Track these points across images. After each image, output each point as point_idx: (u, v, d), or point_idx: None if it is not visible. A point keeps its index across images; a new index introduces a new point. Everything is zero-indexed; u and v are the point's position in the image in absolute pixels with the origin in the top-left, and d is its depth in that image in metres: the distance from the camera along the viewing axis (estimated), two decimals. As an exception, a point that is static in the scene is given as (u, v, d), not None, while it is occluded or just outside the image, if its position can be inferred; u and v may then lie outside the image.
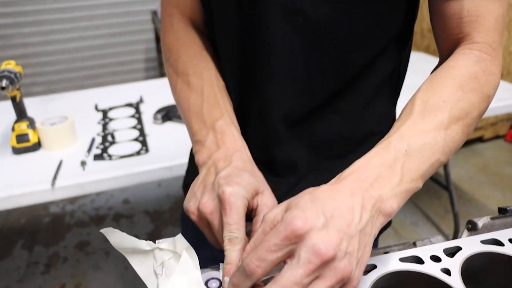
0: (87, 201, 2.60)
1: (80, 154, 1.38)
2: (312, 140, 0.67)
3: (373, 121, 0.69)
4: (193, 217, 0.54)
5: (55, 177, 1.25)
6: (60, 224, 2.43)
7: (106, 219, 2.44)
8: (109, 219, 2.44)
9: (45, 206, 2.56)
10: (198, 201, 0.53)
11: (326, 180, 0.56)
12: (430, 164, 0.49)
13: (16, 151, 1.41)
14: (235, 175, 0.53)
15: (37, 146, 1.44)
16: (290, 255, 0.40)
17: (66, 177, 1.27)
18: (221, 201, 0.50)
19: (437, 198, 2.55)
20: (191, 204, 0.55)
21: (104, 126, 1.55)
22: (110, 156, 1.34)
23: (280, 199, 0.69)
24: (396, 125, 0.52)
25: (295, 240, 0.39)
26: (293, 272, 0.38)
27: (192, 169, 0.82)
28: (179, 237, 0.49)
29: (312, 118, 0.65)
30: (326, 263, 0.39)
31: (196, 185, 0.57)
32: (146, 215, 2.48)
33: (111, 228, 0.47)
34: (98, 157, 1.34)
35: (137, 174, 1.27)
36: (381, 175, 0.46)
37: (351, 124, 0.67)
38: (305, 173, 0.69)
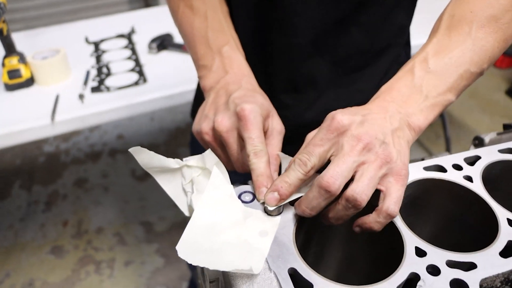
0: (81, 138, 2.58)
1: (76, 87, 1.35)
2: (332, 54, 0.67)
3: (391, 33, 0.69)
4: (207, 137, 0.55)
5: (54, 112, 1.23)
6: (56, 162, 2.43)
7: (102, 155, 2.44)
8: (105, 155, 2.44)
9: (39, 145, 2.54)
10: (212, 120, 0.54)
11: (345, 96, 0.56)
12: (458, 77, 0.49)
13: (9, 87, 1.37)
14: (249, 96, 0.54)
15: (31, 81, 1.40)
16: (335, 149, 0.44)
17: (65, 111, 1.25)
18: (240, 118, 0.50)
19: (436, 136, 2.59)
20: (204, 125, 0.55)
21: (98, 58, 1.50)
22: (107, 88, 1.32)
23: (300, 115, 0.70)
24: (423, 46, 0.52)
25: (338, 132, 0.44)
26: (341, 160, 0.42)
27: (200, 95, 0.82)
28: (208, 153, 0.49)
29: (334, 31, 0.65)
30: (367, 148, 0.43)
31: (207, 107, 0.57)
32: (141, 149, 2.47)
33: (139, 147, 0.47)
34: (95, 89, 1.32)
35: (138, 104, 1.26)
36: (406, 95, 0.48)
37: (371, 36, 0.67)
38: (324, 88, 0.69)
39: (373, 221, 0.44)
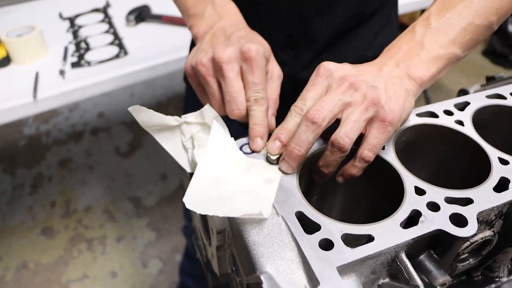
0: (61, 119, 2.54)
1: (55, 64, 1.32)
2: (331, 15, 0.67)
3: None
4: (203, 70, 0.50)
5: (35, 89, 1.21)
6: (38, 144, 2.39)
7: (84, 134, 2.41)
8: (87, 134, 2.41)
9: (18, 129, 2.49)
10: (212, 52, 0.50)
11: (340, 55, 0.57)
12: (461, 30, 0.49)
13: (-16, 67, 1.33)
14: (250, 36, 0.53)
15: (7, 60, 1.35)
16: (326, 91, 0.45)
17: (46, 88, 1.22)
18: (246, 59, 0.48)
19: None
20: (200, 56, 0.51)
21: (75, 34, 1.47)
22: (88, 63, 1.29)
23: (295, 74, 0.70)
24: (427, 8, 0.52)
25: (327, 75, 0.45)
26: (327, 96, 0.44)
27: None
28: (207, 108, 0.49)
29: None
30: (354, 87, 0.44)
31: (203, 44, 0.53)
32: (123, 125, 2.45)
33: (138, 106, 0.47)
34: (76, 64, 1.29)
35: (121, 76, 1.24)
36: (407, 50, 0.49)
37: None
38: (321, 48, 0.69)
39: (350, 166, 0.46)
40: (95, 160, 2.25)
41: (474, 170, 0.50)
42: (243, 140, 0.49)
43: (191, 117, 0.51)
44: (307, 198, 0.43)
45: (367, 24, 0.71)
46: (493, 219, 0.44)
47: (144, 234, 1.91)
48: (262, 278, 0.36)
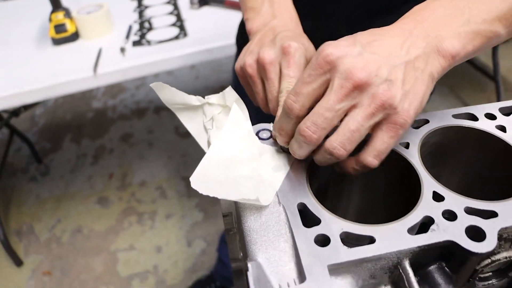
0: (127, 95, 2.65)
1: (118, 41, 1.38)
2: None
3: None
4: (250, 70, 0.52)
5: (96, 64, 1.26)
6: (104, 118, 2.52)
7: (147, 112, 2.50)
8: (150, 112, 2.50)
9: (87, 102, 2.64)
10: (257, 53, 0.51)
11: None
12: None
13: (56, 41, 1.42)
14: (296, 37, 0.52)
15: (76, 36, 1.44)
16: (327, 86, 0.38)
17: (107, 64, 1.28)
18: (284, 54, 0.48)
19: (481, 90, 2.46)
20: (247, 58, 0.52)
21: (140, 14, 1.52)
22: (148, 42, 1.33)
23: None
24: None
25: (328, 67, 0.37)
26: (325, 99, 0.37)
27: (243, 40, 0.81)
28: (229, 90, 0.49)
29: None
30: (360, 88, 0.36)
31: (252, 45, 0.55)
32: (185, 108, 2.52)
33: (161, 83, 0.48)
34: (137, 43, 1.34)
35: (177, 57, 1.27)
36: (442, 16, 0.40)
37: None
38: (340, 28, 0.67)
39: (350, 166, 0.41)
40: (155, 138, 2.33)
41: (510, 183, 0.45)
42: (262, 125, 0.48)
43: (213, 98, 0.50)
44: (321, 194, 0.41)
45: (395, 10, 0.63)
46: (520, 237, 0.39)
47: (192, 214, 1.96)
48: (249, 265, 0.35)
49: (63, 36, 1.41)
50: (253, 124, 0.49)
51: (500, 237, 0.38)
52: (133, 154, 2.27)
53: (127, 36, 1.38)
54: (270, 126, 0.48)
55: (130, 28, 1.43)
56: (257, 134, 0.47)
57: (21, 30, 1.55)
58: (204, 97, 0.50)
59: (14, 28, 1.59)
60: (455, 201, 0.39)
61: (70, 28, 1.41)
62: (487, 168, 0.48)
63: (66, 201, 2.04)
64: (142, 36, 1.38)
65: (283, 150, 0.45)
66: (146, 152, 2.27)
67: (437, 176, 0.46)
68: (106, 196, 2.05)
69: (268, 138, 0.47)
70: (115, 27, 1.46)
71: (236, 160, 0.44)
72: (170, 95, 0.49)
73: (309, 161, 0.43)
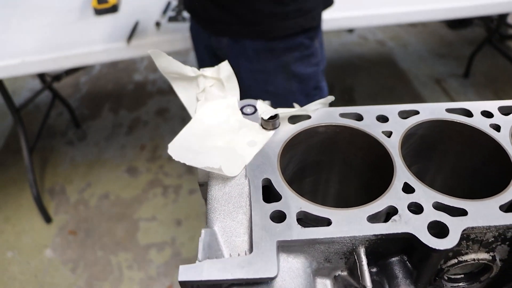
0: (167, 72, 2.70)
1: (155, 16, 1.41)
2: None
3: None
4: None
5: (130, 36, 1.30)
6: (143, 91, 2.59)
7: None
8: (186, 91, 2.54)
9: (129, 74, 2.72)
10: None
11: None
12: None
13: (97, 12, 1.47)
14: None
15: (116, 7, 1.48)
16: None
17: (141, 36, 1.31)
18: None
19: None
20: None
21: (180, -10, 1.54)
22: (184, 19, 1.35)
23: None
24: None
25: None
26: None
27: None
28: (224, 64, 0.49)
29: None
30: None
31: None
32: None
33: (159, 51, 0.48)
34: (172, 19, 1.36)
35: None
36: None
37: None
38: None
39: None
40: (189, 115, 2.37)
41: (498, 185, 0.43)
42: (248, 101, 0.48)
43: (209, 71, 0.51)
44: (299, 177, 0.41)
45: None
46: (491, 241, 0.38)
47: (215, 193, 1.99)
48: (202, 231, 0.35)
49: (104, 7, 1.46)
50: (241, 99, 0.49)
51: (467, 237, 0.37)
52: (166, 129, 2.32)
53: (165, 12, 1.40)
54: (255, 102, 0.48)
55: (168, 4, 1.45)
56: (241, 109, 0.47)
57: (67, -3, 1.61)
58: (199, 69, 0.51)
59: (61, -5, 1.65)
60: (425, 195, 0.38)
61: (112, 0, 1.45)
62: (475, 166, 0.46)
63: (98, 167, 2.12)
64: (179, 12, 1.40)
65: (263, 127, 0.45)
66: (179, 127, 2.27)
67: (423, 170, 0.45)
68: (136, 166, 2.11)
69: (251, 113, 0.47)
70: (154, 2, 1.48)
71: (214, 132, 0.44)
72: (166, 63, 0.50)
73: (286, 141, 0.43)
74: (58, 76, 2.07)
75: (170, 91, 2.54)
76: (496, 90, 2.39)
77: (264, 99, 0.95)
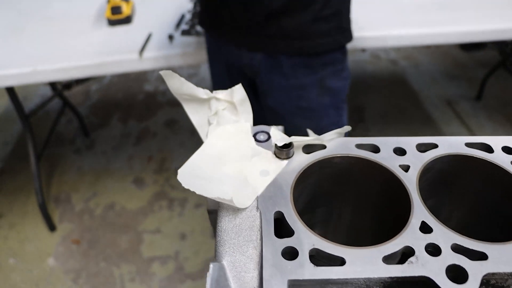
0: (178, 83, 2.71)
1: (169, 29, 1.41)
2: None
3: None
4: None
5: (143, 48, 1.30)
6: (153, 101, 2.59)
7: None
8: (196, 103, 2.54)
9: (140, 84, 2.73)
10: None
11: None
12: None
13: (111, 22, 1.47)
14: None
15: (129, 18, 1.48)
16: None
17: (153, 49, 1.31)
18: None
19: None
20: None
21: (195, 4, 1.54)
22: (197, 33, 1.35)
23: None
24: None
25: None
26: None
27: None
28: (238, 87, 0.48)
29: None
30: None
31: None
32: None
33: (171, 72, 0.48)
34: (185, 32, 1.36)
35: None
36: None
37: None
38: None
39: None
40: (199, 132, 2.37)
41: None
42: (262, 127, 0.47)
43: (221, 94, 0.50)
44: (312, 207, 0.40)
45: None
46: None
47: (221, 207, 1.97)
48: (211, 266, 0.34)
49: (118, 18, 1.46)
50: (254, 125, 0.48)
51: (487, 283, 0.35)
52: (174, 141, 2.31)
53: (178, 25, 1.41)
54: (269, 128, 0.47)
55: (182, 17, 1.46)
56: (254, 135, 0.46)
57: (82, 7, 1.62)
58: (211, 92, 0.50)
59: (76, 4, 1.66)
60: (443, 236, 0.36)
61: (126, 11, 1.46)
62: (495, 206, 0.44)
63: (104, 177, 2.11)
64: (192, 26, 1.40)
65: (276, 156, 0.43)
66: (188, 140, 2.31)
67: (438, 206, 0.43)
68: (142, 178, 2.10)
69: (265, 141, 0.46)
70: (169, 15, 1.49)
71: (226, 159, 0.43)
72: (178, 85, 0.49)
73: (300, 171, 0.42)
74: (68, 85, 2.08)
75: (180, 103, 2.54)
76: (509, 115, 2.36)
77: (296, 114, 0.94)
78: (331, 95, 1.00)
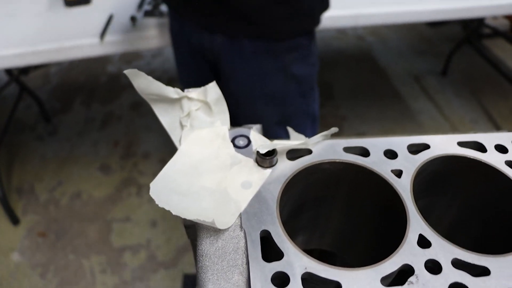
0: (142, 63, 2.61)
1: (131, 9, 1.32)
2: None
3: None
4: None
5: (104, 32, 1.22)
6: (116, 84, 2.48)
7: (160, 82, 2.46)
8: (163, 82, 2.45)
9: (103, 65, 2.60)
10: None
11: None
12: None
13: (68, 3, 1.37)
14: None
15: (88, -2, 1.39)
16: None
17: (115, 32, 1.23)
18: None
19: (505, 98, 2.34)
20: None
21: (157, -17, 1.45)
22: (161, 13, 1.27)
23: None
24: None
25: None
26: None
27: None
28: (212, 85, 0.43)
29: None
30: None
31: None
32: (199, 84, 2.48)
33: (136, 70, 0.43)
34: (148, 13, 1.28)
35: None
36: None
37: None
38: None
39: None
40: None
41: (514, 228, 0.40)
42: (240, 130, 0.43)
43: (194, 92, 0.45)
44: (297, 213, 0.36)
45: None
46: (514, 300, 0.34)
47: (192, 192, 1.93)
48: (192, 299, 0.30)
49: (76, -2, 1.36)
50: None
51: (489, 298, 0.33)
52: (141, 124, 2.23)
53: (140, 5, 1.32)
54: (248, 132, 0.43)
55: (145, -4, 1.37)
56: (233, 140, 0.42)
57: (35, -14, 1.51)
58: (183, 90, 0.45)
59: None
60: (443, 250, 0.34)
61: (90, -10, 1.36)
62: (489, 207, 0.42)
63: (69, 164, 2.02)
64: (156, 6, 1.32)
65: (258, 164, 0.39)
66: (154, 123, 2.23)
67: (431, 207, 0.40)
68: (109, 164, 2.03)
69: (244, 146, 0.42)
70: (130, -6, 1.40)
71: (203, 169, 0.39)
72: (145, 84, 0.44)
73: (286, 181, 0.38)
74: (25, 70, 1.96)
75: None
76: (474, 90, 2.39)
77: (260, 102, 0.89)
78: (297, 83, 0.97)
